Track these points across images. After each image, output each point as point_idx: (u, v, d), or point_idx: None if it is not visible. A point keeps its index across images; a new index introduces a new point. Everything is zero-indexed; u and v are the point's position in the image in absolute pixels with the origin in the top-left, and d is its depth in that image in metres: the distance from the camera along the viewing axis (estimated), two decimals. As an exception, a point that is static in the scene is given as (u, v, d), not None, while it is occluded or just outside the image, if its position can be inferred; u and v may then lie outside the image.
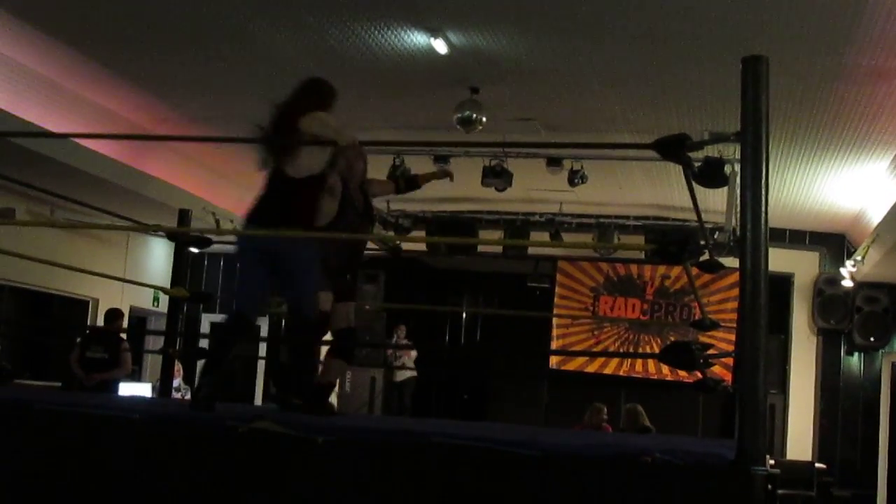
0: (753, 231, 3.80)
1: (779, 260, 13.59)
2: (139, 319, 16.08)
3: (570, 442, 4.30)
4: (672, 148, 4.32)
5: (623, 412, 12.14)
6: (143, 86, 11.02)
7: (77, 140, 11.06)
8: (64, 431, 4.36)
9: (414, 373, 16.11)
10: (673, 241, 4.63)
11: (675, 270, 14.86)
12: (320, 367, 6.21)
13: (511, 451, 3.87)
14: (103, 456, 4.29)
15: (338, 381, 6.35)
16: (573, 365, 15.90)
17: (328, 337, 6.15)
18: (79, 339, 12.15)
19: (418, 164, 11.60)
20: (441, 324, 17.46)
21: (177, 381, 12.66)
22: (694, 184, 5.09)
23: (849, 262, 14.12)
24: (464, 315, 17.95)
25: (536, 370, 16.53)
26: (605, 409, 12.42)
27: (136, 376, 14.42)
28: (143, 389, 12.81)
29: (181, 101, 11.45)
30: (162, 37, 9.58)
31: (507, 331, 17.04)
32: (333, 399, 6.41)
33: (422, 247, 15.02)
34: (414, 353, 16.09)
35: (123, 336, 12.65)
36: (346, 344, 6.24)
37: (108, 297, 14.81)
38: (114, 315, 12.19)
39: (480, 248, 15.26)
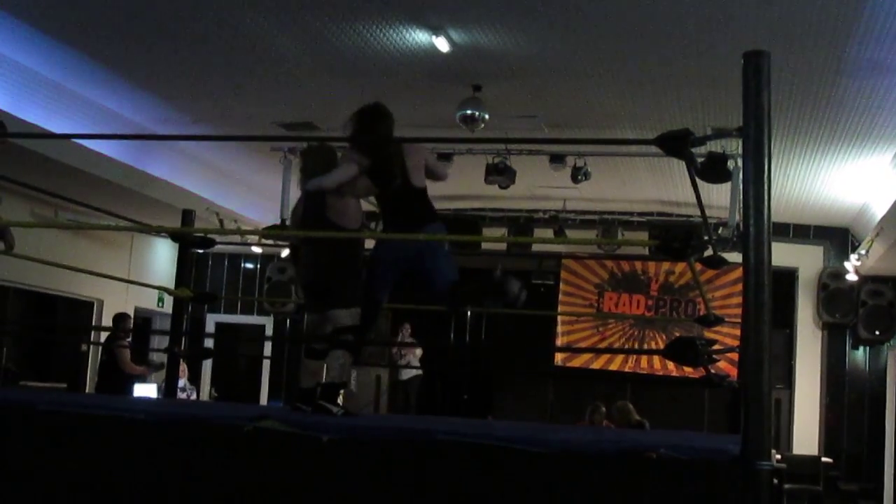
0: (756, 226, 3.79)
1: (783, 254, 13.60)
2: (144, 320, 16.10)
3: (576, 438, 4.30)
4: (675, 144, 4.31)
5: (614, 410, 12.13)
6: (145, 86, 11.02)
7: (80, 141, 11.08)
8: (69, 433, 4.36)
9: (419, 371, 16.10)
10: (676, 236, 4.62)
11: (680, 266, 14.85)
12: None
13: (516, 448, 3.87)
14: (109, 457, 4.29)
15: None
16: (578, 362, 15.90)
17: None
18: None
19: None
20: (446, 322, 17.42)
21: (182, 382, 12.67)
22: (697, 179, 5.08)
23: (853, 256, 14.11)
24: (468, 313, 17.92)
25: (541, 367, 16.52)
26: (604, 408, 12.44)
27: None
28: (148, 390, 12.81)
29: (183, 101, 11.46)
30: (164, 37, 9.59)
31: (511, 328, 17.02)
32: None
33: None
34: (419, 352, 16.06)
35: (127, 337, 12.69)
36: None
37: (112, 298, 14.84)
38: (116, 319, 12.26)
39: (484, 246, 15.25)
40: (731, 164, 9.90)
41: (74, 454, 4.31)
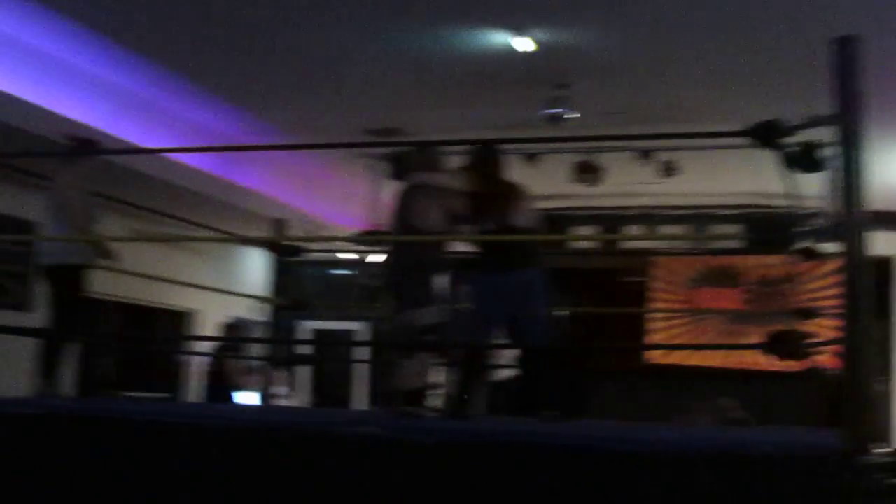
0: (852, 215, 3.74)
1: (880, 244, 13.32)
2: (240, 329, 16.28)
3: (674, 437, 4.27)
4: (765, 134, 4.28)
5: (714, 408, 12.01)
6: (232, 98, 11.17)
7: (173, 155, 11.26)
8: (170, 442, 4.43)
9: (515, 372, 16.03)
10: (770, 229, 4.58)
11: (775, 259, 14.66)
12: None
13: (614, 448, 3.85)
14: (209, 465, 4.35)
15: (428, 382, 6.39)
16: (674, 359, 15.74)
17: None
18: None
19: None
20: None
21: (280, 389, 12.80)
22: (789, 170, 5.02)
23: (951, 243, 13.83)
24: (561, 313, 17.84)
25: (636, 366, 16.40)
26: (702, 406, 12.32)
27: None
28: (249, 398, 12.98)
29: (271, 111, 11.58)
30: (250, 50, 9.71)
31: (604, 327, 16.92)
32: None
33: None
34: (514, 353, 16.00)
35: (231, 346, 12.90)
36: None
37: (209, 309, 15.04)
38: (222, 329, 12.47)
39: (574, 245, 15.19)
40: (824, 152, 9.76)
41: (176, 463, 4.38)
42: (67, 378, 8.05)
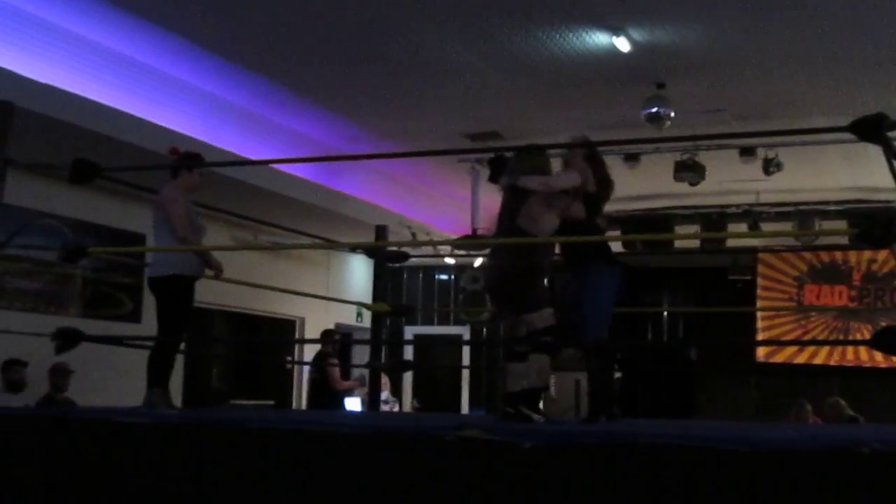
0: (961, 208, 3.66)
1: None
2: (344, 335, 16.44)
3: (784, 436, 4.21)
4: (869, 128, 4.21)
5: (826, 407, 11.81)
6: (331, 107, 11.29)
7: (274, 165, 11.41)
8: (277, 449, 4.49)
9: (618, 373, 15.93)
10: (877, 223, 4.49)
11: (882, 254, 14.36)
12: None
13: (722, 448, 3.81)
14: (317, 471, 4.40)
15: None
16: (782, 356, 15.51)
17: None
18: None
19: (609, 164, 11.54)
20: (642, 322, 17.24)
21: (384, 394, 12.88)
22: (895, 163, 4.93)
23: None
24: (665, 313, 17.69)
25: (744, 364, 16.20)
26: (809, 405, 12.13)
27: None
28: (353, 403, 13.09)
29: (369, 118, 11.69)
30: (347, 57, 9.80)
31: (710, 326, 16.74)
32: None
33: (617, 246, 14.87)
34: (617, 354, 15.92)
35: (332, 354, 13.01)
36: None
37: (313, 316, 15.20)
38: (323, 335, 12.58)
39: (677, 244, 15.04)
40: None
41: (284, 470, 4.44)
42: (176, 387, 8.22)
